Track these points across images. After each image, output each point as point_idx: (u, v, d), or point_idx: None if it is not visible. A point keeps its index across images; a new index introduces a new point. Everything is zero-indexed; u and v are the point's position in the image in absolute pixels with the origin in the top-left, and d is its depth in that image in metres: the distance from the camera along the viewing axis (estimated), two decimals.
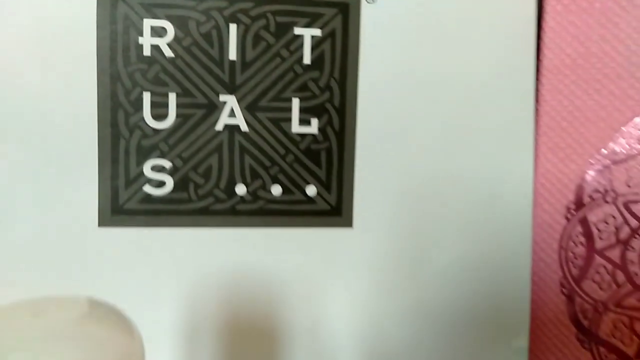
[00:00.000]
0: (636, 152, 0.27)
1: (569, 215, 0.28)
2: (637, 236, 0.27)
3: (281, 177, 0.26)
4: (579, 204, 0.28)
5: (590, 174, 0.28)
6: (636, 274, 0.27)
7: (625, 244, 0.27)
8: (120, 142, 0.25)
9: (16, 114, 0.24)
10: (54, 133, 0.25)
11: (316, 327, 0.27)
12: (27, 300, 0.14)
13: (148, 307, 0.26)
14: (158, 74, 0.25)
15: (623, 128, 0.27)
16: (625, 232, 0.27)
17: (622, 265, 0.27)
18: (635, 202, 0.27)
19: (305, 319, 0.27)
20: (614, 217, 0.27)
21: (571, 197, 0.28)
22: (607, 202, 0.28)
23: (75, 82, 0.25)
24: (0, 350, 0.12)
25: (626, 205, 0.27)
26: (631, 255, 0.27)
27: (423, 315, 0.28)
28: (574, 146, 0.28)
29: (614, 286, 0.28)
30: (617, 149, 0.27)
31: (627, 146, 0.27)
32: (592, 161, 0.28)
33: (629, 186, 0.27)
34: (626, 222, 0.27)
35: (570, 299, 0.29)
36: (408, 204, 0.27)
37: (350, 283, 0.27)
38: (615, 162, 0.27)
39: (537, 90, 0.28)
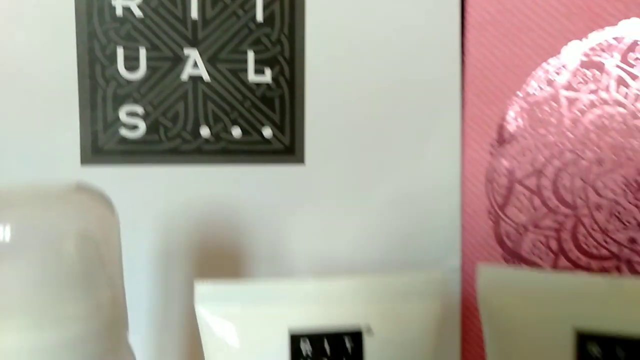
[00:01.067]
0: (546, 93, 0.31)
1: (493, 151, 0.33)
2: (547, 165, 0.31)
3: (240, 120, 0.30)
4: (501, 140, 0.32)
5: (510, 114, 0.32)
6: (549, 198, 0.32)
7: (539, 172, 0.32)
8: (98, 91, 0.29)
9: (4, 69, 0.28)
10: (39, 85, 0.28)
11: (274, 249, 0.31)
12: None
13: (126, 235, 0.29)
14: (129, 31, 0.29)
15: (534, 72, 0.32)
16: (539, 162, 0.32)
17: (538, 191, 0.32)
18: (546, 135, 0.31)
19: (264, 243, 0.31)
20: (530, 150, 0.32)
21: (494, 135, 0.33)
22: (524, 137, 0.32)
23: (57, 39, 0.28)
24: (1, 205, 0.16)
25: (539, 139, 0.32)
26: (545, 182, 0.32)
27: (368, 239, 0.32)
28: (495, 91, 0.32)
29: (532, 210, 0.32)
30: (530, 91, 0.32)
31: (538, 88, 0.31)
32: (510, 103, 0.32)
33: (540, 122, 0.32)
34: (540, 153, 0.32)
35: (496, 224, 0.33)
36: (353, 143, 0.31)
37: (303, 212, 0.31)
38: (529, 103, 0.32)
39: (462, 43, 0.33)
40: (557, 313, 0.18)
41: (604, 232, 0.31)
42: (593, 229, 0.31)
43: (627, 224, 0.30)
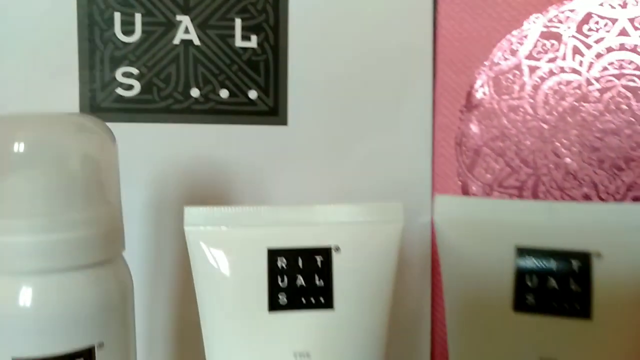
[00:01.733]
0: (510, 62, 0.34)
1: (462, 117, 0.35)
2: (511, 129, 0.34)
3: (228, 83, 0.33)
4: (469, 107, 0.35)
5: (477, 82, 0.35)
6: (512, 159, 0.34)
7: (503, 135, 0.34)
8: (97, 53, 0.31)
9: (10, 32, 0.30)
10: (42, 46, 0.31)
11: (258, 203, 0.33)
12: None
13: (122, 188, 0.32)
14: None
15: (499, 43, 0.34)
16: (503, 126, 0.34)
17: (502, 152, 0.35)
18: (509, 101, 0.34)
19: (248, 197, 0.33)
20: (495, 115, 0.35)
21: (463, 102, 0.35)
22: (490, 103, 0.35)
23: (59, 5, 0.31)
24: (15, 126, 0.18)
25: (503, 105, 0.34)
26: (508, 143, 0.34)
27: (344, 196, 0.34)
28: (464, 61, 0.35)
29: (497, 170, 0.35)
30: (496, 60, 0.34)
31: (503, 58, 0.34)
32: (477, 72, 0.35)
33: (505, 89, 0.34)
34: (505, 117, 0.34)
35: (464, 184, 0.36)
36: (332, 107, 0.34)
37: (286, 170, 0.34)
38: (494, 71, 0.34)
39: (434, 16, 0.35)
40: (502, 233, 0.21)
41: (562, 189, 0.34)
42: (552, 187, 0.34)
43: (582, 181, 0.33)
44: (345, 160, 0.34)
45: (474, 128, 0.35)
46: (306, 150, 0.34)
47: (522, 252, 0.20)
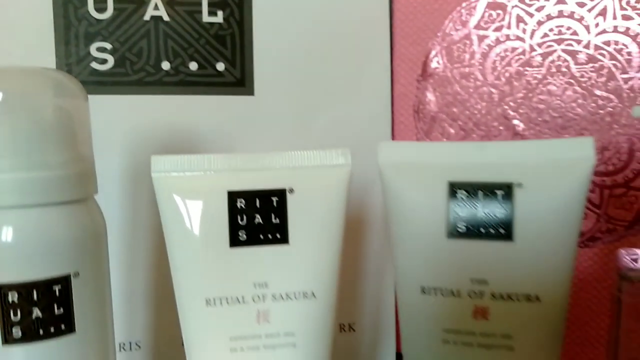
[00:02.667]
0: (461, 32, 0.37)
1: (418, 86, 0.38)
2: (463, 95, 0.37)
3: (197, 56, 0.35)
4: (425, 76, 0.38)
5: (432, 53, 0.37)
6: (465, 123, 0.37)
7: (456, 101, 0.37)
8: (72, 29, 0.33)
9: None
10: (19, 23, 0.33)
11: None
12: None
13: (98, 156, 0.34)
14: None
15: (450, 15, 0.37)
16: (455, 92, 0.37)
17: (456, 117, 0.37)
18: (460, 68, 0.37)
19: None
20: (448, 82, 0.37)
21: (419, 71, 0.38)
22: (443, 72, 0.37)
23: None
24: None
25: (456, 73, 0.37)
26: (461, 109, 0.37)
27: None
28: (418, 33, 0.38)
29: (452, 134, 0.37)
30: (447, 31, 0.37)
31: (454, 28, 0.37)
32: (431, 43, 0.37)
33: (456, 58, 0.37)
34: (457, 84, 0.37)
35: None
36: (296, 78, 0.36)
37: (253, 138, 0.36)
38: (447, 42, 0.37)
39: None
40: (437, 171, 0.23)
41: None
42: None
43: None
44: (309, 128, 0.37)
45: (430, 95, 0.38)
46: (272, 119, 0.36)
47: (454, 186, 0.23)
